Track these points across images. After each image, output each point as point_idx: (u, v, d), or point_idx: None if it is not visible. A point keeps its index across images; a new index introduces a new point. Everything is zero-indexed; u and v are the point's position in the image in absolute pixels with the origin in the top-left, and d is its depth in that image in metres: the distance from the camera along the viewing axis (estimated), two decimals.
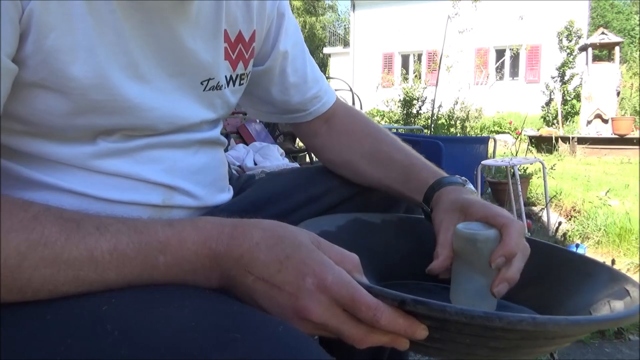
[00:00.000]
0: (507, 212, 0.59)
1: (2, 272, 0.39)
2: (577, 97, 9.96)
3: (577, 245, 2.53)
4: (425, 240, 0.69)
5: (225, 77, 0.66)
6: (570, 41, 10.11)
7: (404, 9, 15.71)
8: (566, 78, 10.12)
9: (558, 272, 0.61)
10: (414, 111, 8.98)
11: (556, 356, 1.41)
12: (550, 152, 8.03)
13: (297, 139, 3.82)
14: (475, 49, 14.13)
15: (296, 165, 2.38)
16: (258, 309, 0.43)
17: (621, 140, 7.83)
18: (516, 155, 4.07)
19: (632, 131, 7.87)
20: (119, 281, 0.42)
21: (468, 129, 8.58)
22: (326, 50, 22.28)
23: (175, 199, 0.61)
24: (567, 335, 0.47)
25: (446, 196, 0.65)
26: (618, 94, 8.62)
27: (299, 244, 0.45)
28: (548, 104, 10.70)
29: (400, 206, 0.78)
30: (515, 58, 14.74)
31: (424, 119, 8.90)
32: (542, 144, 8.41)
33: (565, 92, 10.14)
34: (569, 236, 2.87)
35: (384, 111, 10.12)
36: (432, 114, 7.38)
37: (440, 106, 7.88)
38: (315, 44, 26.83)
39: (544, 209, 3.16)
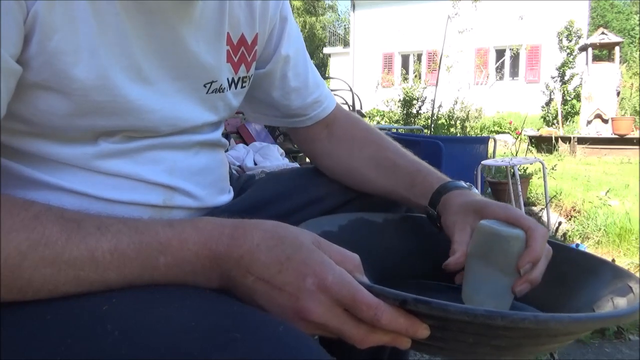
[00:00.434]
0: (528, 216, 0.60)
1: (2, 271, 0.39)
2: (577, 97, 9.95)
3: (577, 245, 2.53)
4: (427, 240, 0.69)
5: (227, 79, 0.65)
6: (570, 41, 10.10)
7: (404, 9, 15.71)
8: (566, 78, 10.10)
9: (561, 270, 0.61)
10: (414, 111, 8.97)
11: (556, 356, 1.41)
12: (550, 152, 8.03)
13: None
14: (475, 49, 14.12)
15: (296, 165, 2.38)
16: (258, 309, 0.43)
17: (621, 140, 7.83)
18: (516, 155, 4.07)
19: (632, 131, 7.87)
20: (119, 281, 0.42)
21: (468, 129, 8.58)
22: (326, 50, 22.30)
23: (176, 199, 0.62)
24: (569, 333, 0.47)
25: (454, 199, 0.65)
26: (618, 94, 8.62)
27: (299, 245, 0.44)
28: (548, 104, 10.69)
29: (401, 209, 0.78)
30: (515, 58, 14.73)
31: (424, 119, 8.89)
32: (542, 144, 8.40)
33: (565, 92, 10.13)
34: (569, 236, 2.88)
35: (383, 111, 10.10)
36: (432, 114, 7.37)
37: (440, 106, 7.88)
38: (315, 44, 26.84)
39: (544, 209, 3.16)
